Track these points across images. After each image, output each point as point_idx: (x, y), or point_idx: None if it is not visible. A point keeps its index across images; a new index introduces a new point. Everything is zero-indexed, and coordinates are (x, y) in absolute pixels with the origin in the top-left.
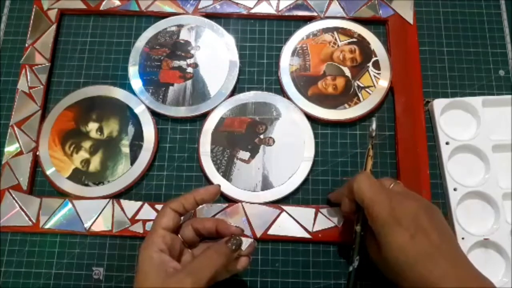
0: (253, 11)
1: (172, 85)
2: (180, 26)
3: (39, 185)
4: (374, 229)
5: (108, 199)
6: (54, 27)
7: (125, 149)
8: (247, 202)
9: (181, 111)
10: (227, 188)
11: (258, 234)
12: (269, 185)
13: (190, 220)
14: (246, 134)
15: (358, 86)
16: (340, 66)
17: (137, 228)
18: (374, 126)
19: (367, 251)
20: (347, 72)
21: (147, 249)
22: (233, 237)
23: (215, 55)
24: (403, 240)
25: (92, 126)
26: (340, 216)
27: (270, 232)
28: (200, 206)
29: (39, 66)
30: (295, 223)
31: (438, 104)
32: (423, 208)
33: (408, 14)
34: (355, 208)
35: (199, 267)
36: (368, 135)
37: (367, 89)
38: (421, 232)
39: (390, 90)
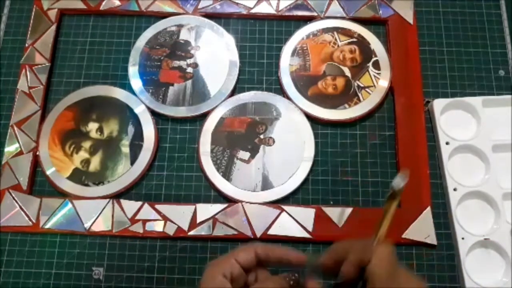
0: (253, 11)
1: (172, 85)
2: (180, 26)
3: (39, 185)
4: None
5: (108, 199)
6: (54, 27)
7: (125, 149)
8: (247, 202)
9: (181, 111)
10: (227, 188)
11: (258, 234)
12: (269, 185)
13: (253, 246)
14: (246, 134)
15: (358, 86)
16: (340, 66)
17: (137, 228)
18: (401, 182)
19: None
20: (347, 72)
21: (213, 268)
22: (292, 274)
23: (215, 55)
24: None
25: (92, 126)
26: (340, 216)
27: (270, 232)
28: (200, 206)
29: (39, 66)
30: (295, 223)
31: (438, 104)
32: None
33: (408, 14)
34: (358, 275)
35: None
36: (390, 190)
37: (367, 89)
38: None
39: (390, 90)
